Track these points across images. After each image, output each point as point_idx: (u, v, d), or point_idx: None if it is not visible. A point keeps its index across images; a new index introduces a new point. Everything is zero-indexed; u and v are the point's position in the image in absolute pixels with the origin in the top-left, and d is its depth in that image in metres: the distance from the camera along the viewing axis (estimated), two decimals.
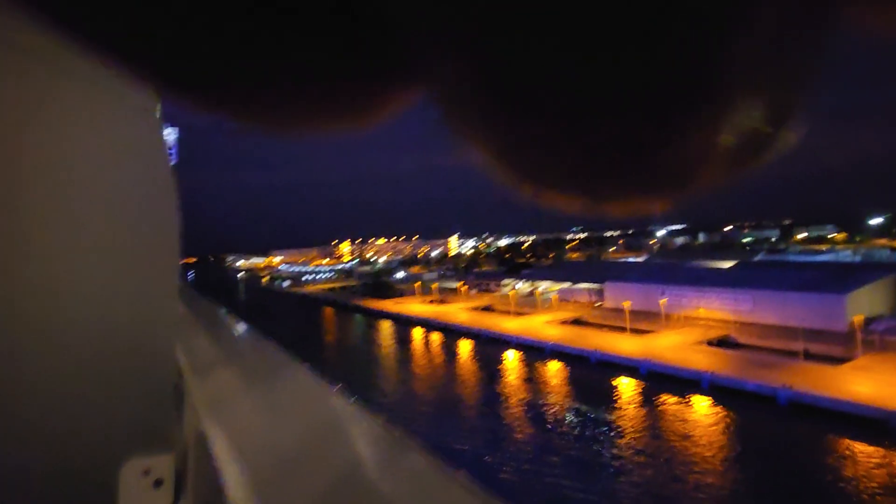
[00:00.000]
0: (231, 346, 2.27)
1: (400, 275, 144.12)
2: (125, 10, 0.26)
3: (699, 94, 0.24)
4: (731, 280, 66.60)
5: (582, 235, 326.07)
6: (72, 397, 1.67)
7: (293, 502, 0.83)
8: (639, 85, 0.23)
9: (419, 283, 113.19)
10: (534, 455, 32.61)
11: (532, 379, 49.18)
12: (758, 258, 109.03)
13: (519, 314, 77.68)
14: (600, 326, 67.32)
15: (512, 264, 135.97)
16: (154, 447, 1.52)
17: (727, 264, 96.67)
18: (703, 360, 47.27)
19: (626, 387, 45.20)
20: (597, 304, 79.43)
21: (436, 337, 72.27)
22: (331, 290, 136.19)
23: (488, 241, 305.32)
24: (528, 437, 35.77)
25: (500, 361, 56.65)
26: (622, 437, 35.10)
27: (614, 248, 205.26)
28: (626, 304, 64.56)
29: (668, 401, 40.98)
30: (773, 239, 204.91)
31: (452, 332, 72.62)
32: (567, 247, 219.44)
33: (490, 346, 63.90)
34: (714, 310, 62.53)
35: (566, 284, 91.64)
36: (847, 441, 32.20)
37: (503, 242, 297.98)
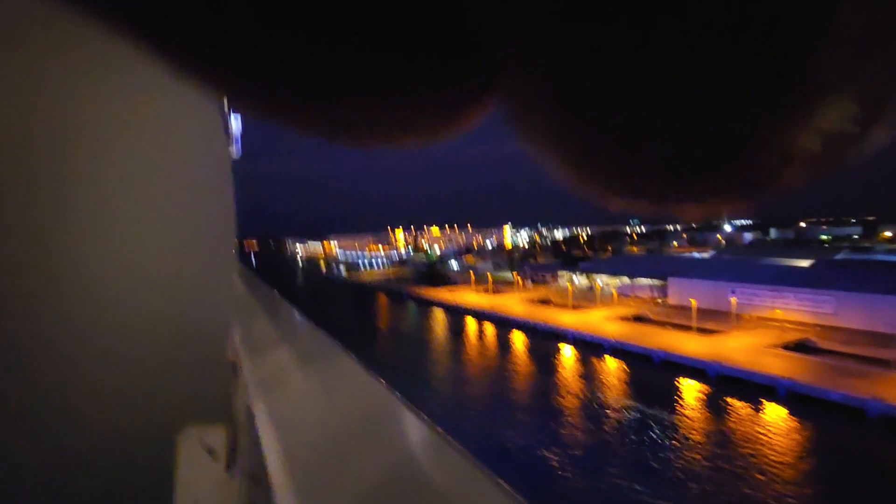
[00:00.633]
0: (283, 329, 2.30)
1: (454, 264, 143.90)
2: (201, 13, 0.26)
3: (784, 93, 0.24)
4: (811, 279, 61.79)
5: (641, 229, 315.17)
6: (135, 369, 1.84)
7: (329, 488, 0.85)
8: (718, 85, 0.23)
9: (474, 273, 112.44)
10: (597, 458, 31.20)
11: (591, 377, 47.40)
12: (840, 257, 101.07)
13: (576, 308, 75.48)
14: (663, 324, 64.22)
15: (568, 256, 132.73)
16: (209, 418, 1.61)
17: (804, 263, 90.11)
18: (778, 365, 43.98)
19: (693, 390, 42.69)
20: (659, 301, 76.00)
21: (490, 328, 71.36)
22: (386, 277, 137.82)
23: (543, 231, 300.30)
24: (590, 440, 34.33)
25: (557, 357, 55.11)
26: (691, 445, 33.03)
27: (677, 242, 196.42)
28: (693, 302, 61.19)
29: (740, 408, 38.31)
30: (856, 236, 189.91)
31: (507, 325, 71.45)
32: (627, 240, 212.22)
33: (546, 340, 62.34)
34: (790, 311, 58.25)
35: (626, 279, 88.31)
36: None
37: (559, 234, 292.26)
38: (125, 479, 1.78)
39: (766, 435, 33.70)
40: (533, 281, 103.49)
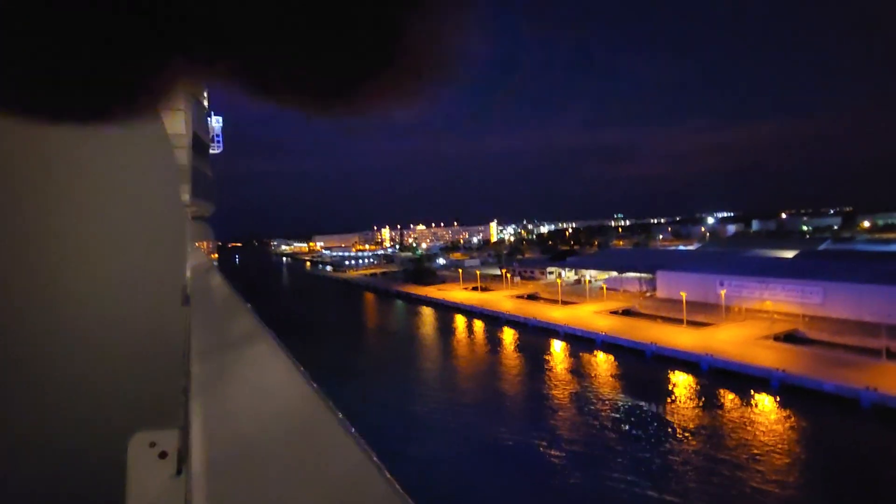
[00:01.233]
0: (236, 334, 2.32)
1: (441, 261, 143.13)
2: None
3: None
4: (798, 270, 62.20)
5: (626, 223, 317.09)
6: (88, 377, 1.90)
7: (249, 490, 0.87)
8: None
9: (461, 269, 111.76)
10: (598, 456, 30.69)
11: (586, 373, 47.00)
12: (823, 247, 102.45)
13: (566, 303, 75.18)
14: (653, 318, 64.18)
15: (556, 252, 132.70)
16: (161, 422, 1.63)
17: (789, 253, 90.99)
18: (770, 357, 43.96)
19: (687, 384, 42.50)
20: (648, 294, 76.07)
21: (480, 325, 70.74)
22: (372, 275, 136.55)
23: (529, 227, 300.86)
24: (592, 437, 33.84)
25: (550, 353, 54.65)
26: (694, 441, 32.73)
27: (662, 235, 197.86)
28: (683, 295, 61.18)
29: (735, 400, 38.15)
30: (835, 227, 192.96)
31: (497, 321, 70.91)
32: (612, 234, 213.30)
33: (536, 335, 61.89)
34: (779, 302, 58.48)
35: (614, 273, 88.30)
36: None
37: (544, 229, 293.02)
38: (76, 485, 1.84)
39: (764, 428, 33.50)
40: (521, 276, 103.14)
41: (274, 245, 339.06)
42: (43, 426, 1.89)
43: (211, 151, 33.09)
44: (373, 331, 76.42)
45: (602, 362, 49.96)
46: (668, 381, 43.65)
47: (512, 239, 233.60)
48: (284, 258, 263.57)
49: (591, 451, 31.44)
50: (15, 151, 1.77)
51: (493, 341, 61.53)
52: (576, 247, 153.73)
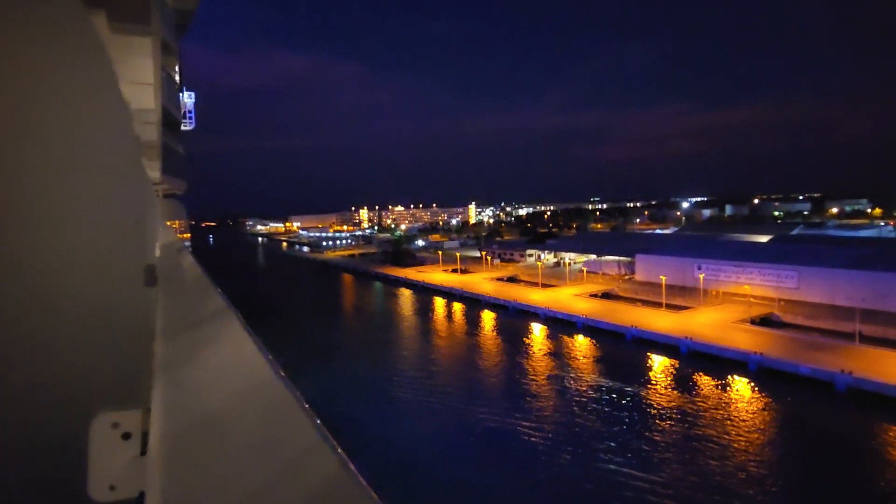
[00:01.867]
0: (202, 314, 2.34)
1: (420, 242, 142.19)
2: None
3: None
4: (773, 255, 63.11)
5: (603, 206, 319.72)
6: (48, 357, 1.90)
7: (204, 471, 0.91)
8: None
9: (441, 251, 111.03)
10: (582, 438, 30.62)
11: (567, 356, 47.03)
12: (795, 232, 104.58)
13: (546, 286, 75.28)
14: (632, 301, 64.71)
15: (535, 234, 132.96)
16: (125, 403, 1.63)
17: (763, 238, 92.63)
18: (747, 340, 44.61)
19: (667, 367, 42.84)
20: (626, 277, 76.66)
21: (460, 307, 70.38)
22: (350, 256, 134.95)
23: (507, 209, 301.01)
24: (572, 419, 33.79)
25: (530, 336, 54.60)
26: (672, 422, 32.93)
27: (639, 219, 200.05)
28: (663, 279, 61.67)
29: (714, 383, 38.58)
30: (805, 212, 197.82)
31: (477, 303, 70.65)
32: (590, 217, 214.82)
33: (517, 318, 61.82)
34: (755, 286, 59.33)
35: (593, 256, 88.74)
36: None
37: (523, 211, 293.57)
38: (35, 468, 1.84)
39: (743, 410, 33.92)
40: (500, 259, 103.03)
41: (249, 225, 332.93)
42: None
43: (183, 128, 31.81)
44: (352, 313, 75.47)
45: (583, 345, 50.09)
46: (648, 364, 43.96)
47: (491, 221, 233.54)
48: (260, 238, 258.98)
49: (575, 433, 31.39)
50: None
51: (475, 324, 61.26)
52: (554, 229, 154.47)
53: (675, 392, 37.38)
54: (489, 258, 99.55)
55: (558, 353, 47.77)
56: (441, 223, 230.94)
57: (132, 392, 1.69)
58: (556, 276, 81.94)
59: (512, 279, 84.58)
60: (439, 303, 74.64)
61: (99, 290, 2.09)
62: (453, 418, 34.53)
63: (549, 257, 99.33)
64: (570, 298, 65.71)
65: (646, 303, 62.72)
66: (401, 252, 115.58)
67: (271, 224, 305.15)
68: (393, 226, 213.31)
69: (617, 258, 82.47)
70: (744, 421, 32.53)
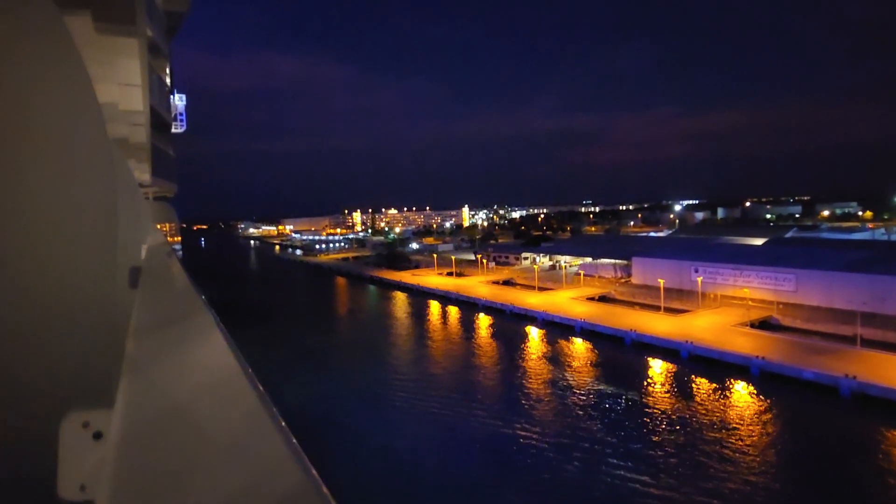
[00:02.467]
0: (176, 316, 2.32)
1: (414, 246, 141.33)
2: None
3: None
4: (770, 258, 62.86)
5: (596, 209, 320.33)
6: (14, 353, 1.90)
7: (156, 461, 0.91)
8: None
9: (436, 254, 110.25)
10: (588, 448, 29.87)
11: (567, 361, 46.33)
12: (789, 235, 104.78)
13: (542, 289, 74.67)
14: (630, 304, 64.22)
15: (529, 237, 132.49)
16: (96, 402, 1.61)
17: (757, 241, 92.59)
18: (748, 344, 44.15)
19: (669, 371, 42.26)
20: (623, 281, 76.24)
21: (456, 311, 69.59)
22: (344, 259, 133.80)
23: (500, 212, 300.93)
24: (576, 428, 33.07)
25: (528, 340, 53.88)
26: (677, 428, 32.29)
27: (633, 222, 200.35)
28: (661, 282, 61.23)
29: (717, 388, 38.00)
30: (797, 215, 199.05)
31: (474, 307, 69.91)
32: (584, 220, 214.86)
33: (514, 322, 61.12)
34: (753, 289, 59.03)
35: (588, 259, 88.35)
36: None
37: (516, 214, 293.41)
38: (4, 467, 1.82)
39: (748, 416, 33.32)
40: (496, 262, 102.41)
41: (241, 228, 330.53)
42: None
43: (174, 130, 31.00)
44: (347, 317, 74.43)
45: (582, 349, 49.45)
46: (649, 368, 43.37)
47: (485, 224, 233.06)
48: (252, 242, 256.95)
49: (579, 440, 30.64)
50: None
51: (472, 328, 60.50)
52: (549, 232, 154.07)
53: (678, 397, 36.77)
54: (485, 261, 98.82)
55: (557, 358, 47.08)
56: (435, 226, 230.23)
57: (104, 391, 1.63)
58: (551, 279, 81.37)
59: (508, 282, 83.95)
60: (435, 307, 73.82)
61: (71, 290, 2.07)
62: (453, 424, 33.73)
63: (544, 260, 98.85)
64: (567, 302, 65.13)
65: (643, 306, 62.26)
66: (395, 255, 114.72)
67: (264, 227, 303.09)
68: (386, 229, 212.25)
69: (613, 261, 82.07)
70: (749, 427, 31.96)
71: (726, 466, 27.49)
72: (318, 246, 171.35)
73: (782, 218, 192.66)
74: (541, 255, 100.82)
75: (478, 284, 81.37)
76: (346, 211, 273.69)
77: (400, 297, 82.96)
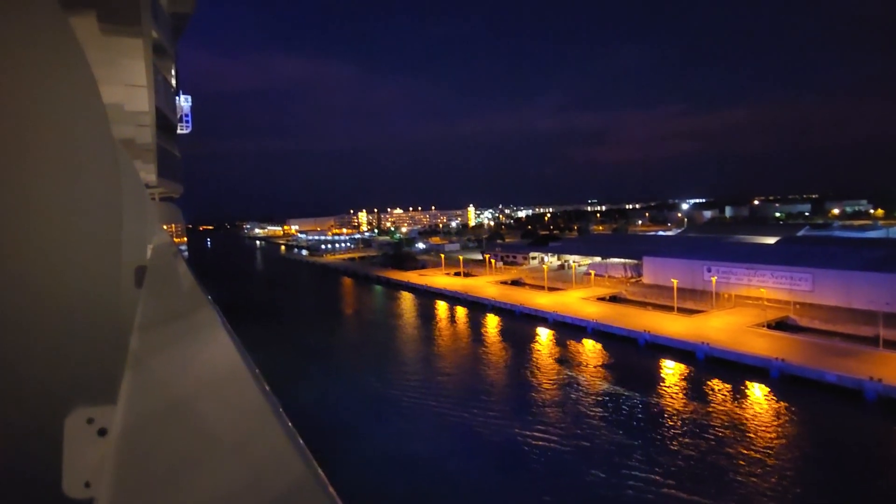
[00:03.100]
0: (181, 315, 2.32)
1: (420, 245, 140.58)
2: None
3: None
4: (786, 257, 61.64)
5: (601, 207, 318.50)
6: (21, 350, 1.94)
7: (157, 455, 0.92)
8: None
9: (443, 254, 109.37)
10: (614, 458, 28.98)
11: (580, 363, 45.37)
12: (801, 234, 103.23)
13: (552, 289, 73.71)
14: (642, 304, 63.17)
15: (537, 236, 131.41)
16: (101, 398, 1.63)
17: (769, 240, 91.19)
18: (765, 345, 43.09)
19: (685, 374, 41.25)
20: (633, 280, 75.18)
21: (464, 312, 68.74)
22: (350, 259, 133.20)
23: (506, 211, 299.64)
24: (598, 435, 32.17)
25: (540, 341, 52.95)
26: (699, 434, 31.35)
27: (640, 221, 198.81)
28: (675, 282, 60.16)
29: (736, 391, 36.98)
30: (806, 213, 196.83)
31: (482, 307, 69.05)
32: (591, 219, 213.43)
33: (525, 322, 60.22)
34: (768, 289, 57.93)
35: (597, 259, 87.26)
36: None
37: (521, 213, 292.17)
38: (10, 463, 1.85)
39: (771, 421, 32.29)
40: (503, 262, 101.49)
41: (247, 228, 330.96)
42: None
43: (180, 131, 30.73)
44: (354, 318, 73.71)
45: (595, 351, 48.49)
46: (664, 370, 42.39)
47: (491, 223, 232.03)
48: (258, 242, 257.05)
49: (596, 445, 29.75)
50: None
51: (482, 329, 59.65)
52: (555, 232, 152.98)
53: (697, 400, 35.79)
54: (492, 261, 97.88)
55: (570, 359, 46.16)
56: (441, 226, 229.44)
57: (109, 388, 1.62)
58: (560, 279, 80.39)
59: (516, 282, 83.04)
60: (443, 307, 73.03)
61: (76, 288, 2.09)
62: (465, 427, 32.91)
63: (552, 260, 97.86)
64: (577, 302, 64.16)
65: (656, 306, 61.19)
66: (402, 255, 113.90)
67: (269, 227, 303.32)
68: (392, 228, 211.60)
69: (622, 261, 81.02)
70: (771, 431, 30.97)
71: (750, 473, 26.54)
72: (323, 246, 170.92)
73: (792, 216, 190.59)
74: (549, 254, 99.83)
75: (486, 284, 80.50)
76: (352, 211, 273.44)
77: (407, 298, 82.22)
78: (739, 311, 55.50)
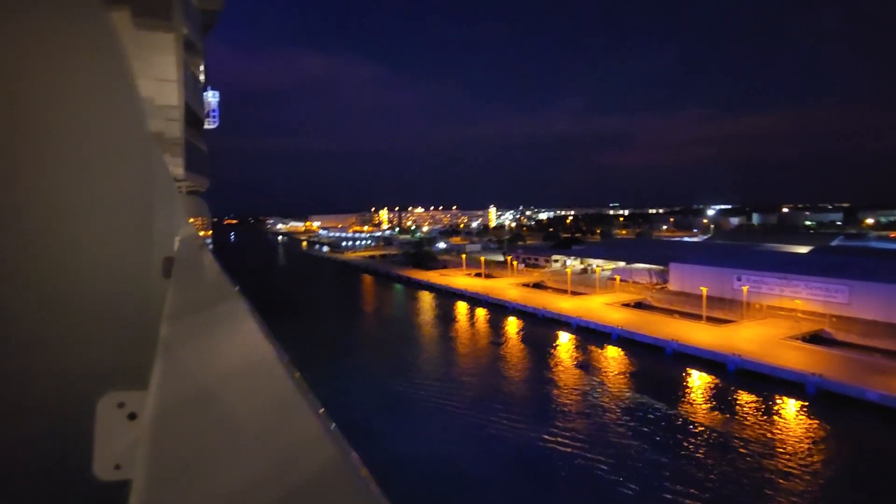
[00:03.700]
0: (210, 304, 2.28)
1: (441, 245, 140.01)
2: None
3: None
4: (820, 268, 59.46)
5: (624, 212, 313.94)
6: (56, 337, 2.02)
7: (187, 439, 0.93)
8: None
9: (464, 255, 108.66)
10: (639, 468, 27.97)
11: (605, 371, 44.18)
12: (835, 244, 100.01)
13: (575, 293, 72.42)
14: (668, 312, 61.56)
15: (559, 239, 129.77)
16: (132, 384, 1.68)
17: (801, 249, 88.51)
18: (800, 359, 41.41)
19: (715, 386, 39.82)
20: (658, 287, 73.46)
21: (485, 313, 67.90)
22: (370, 257, 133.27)
23: (527, 213, 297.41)
24: (629, 450, 31.17)
25: (563, 347, 51.86)
26: (733, 453, 30.13)
27: (665, 226, 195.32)
28: (704, 290, 58.46)
29: (770, 407, 35.52)
30: (838, 223, 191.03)
31: (503, 310, 68.10)
32: (614, 223, 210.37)
33: (546, 327, 59.14)
34: (801, 300, 55.90)
35: (621, 263, 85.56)
36: None
37: (543, 215, 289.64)
38: (41, 447, 1.92)
39: (809, 441, 30.80)
40: (525, 264, 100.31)
41: (270, 223, 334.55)
42: (6, 384, 1.91)
43: (207, 126, 31.04)
44: (374, 316, 73.34)
45: (620, 359, 47.24)
46: (693, 382, 41.03)
47: (512, 225, 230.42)
48: (280, 237, 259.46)
49: (626, 461, 28.68)
50: None
51: (502, 331, 58.76)
52: (577, 235, 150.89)
53: (728, 415, 34.42)
54: (514, 263, 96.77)
55: (595, 367, 45.03)
56: (462, 226, 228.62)
57: (139, 374, 1.64)
58: (583, 283, 79.01)
59: (538, 285, 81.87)
60: (463, 308, 72.29)
61: (109, 278, 2.17)
62: (485, 432, 32.15)
63: (574, 263, 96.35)
64: (601, 307, 62.84)
65: (683, 314, 59.57)
66: (423, 254, 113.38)
67: (291, 223, 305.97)
68: (413, 227, 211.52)
69: (648, 266, 79.28)
70: (810, 451, 29.55)
71: (791, 491, 25.25)
72: (344, 243, 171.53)
73: (823, 225, 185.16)
74: (571, 257, 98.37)
75: (507, 287, 79.52)
76: (373, 209, 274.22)
77: (427, 298, 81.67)
78: (771, 322, 53.66)
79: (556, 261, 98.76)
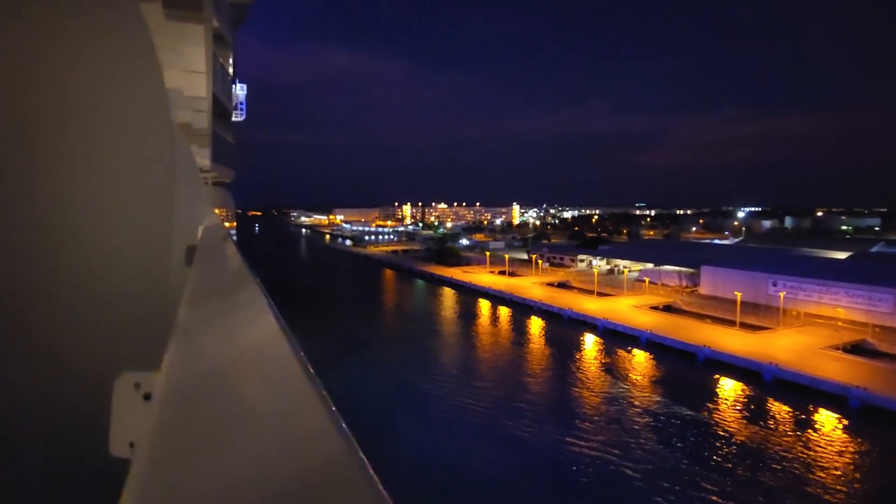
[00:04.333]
0: (228, 291, 2.33)
1: (464, 241, 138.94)
2: None
3: None
4: (861, 274, 56.76)
5: (651, 212, 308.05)
6: (72, 317, 2.06)
7: (198, 420, 0.94)
8: None
9: (488, 252, 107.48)
10: (679, 485, 26.77)
11: (633, 377, 42.76)
12: (875, 250, 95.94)
13: (601, 294, 70.77)
14: (699, 316, 59.55)
15: (584, 238, 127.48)
16: (147, 364, 1.70)
17: (839, 255, 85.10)
18: (841, 370, 39.40)
19: (750, 396, 38.11)
20: (688, 290, 71.30)
21: (508, 312, 66.76)
22: (393, 252, 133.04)
23: (551, 211, 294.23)
24: (662, 459, 29.96)
25: (589, 349, 50.51)
26: (777, 468, 28.67)
27: (694, 228, 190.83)
28: (738, 295, 56.38)
29: (811, 420, 33.81)
30: (876, 228, 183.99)
31: (528, 309, 66.88)
32: (640, 223, 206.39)
33: (572, 328, 57.81)
34: (841, 308, 53.46)
35: (650, 265, 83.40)
36: None
37: (567, 214, 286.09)
38: (59, 424, 1.96)
39: (857, 459, 29.14)
40: (550, 263, 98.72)
41: (293, 216, 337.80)
42: (24, 363, 1.93)
43: (234, 118, 31.19)
44: (395, 311, 72.79)
45: (648, 364, 45.74)
46: (727, 391, 39.38)
47: (536, 222, 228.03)
48: (304, 230, 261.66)
49: (660, 475, 27.46)
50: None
51: (526, 332, 57.60)
52: (603, 234, 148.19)
53: (767, 428, 32.81)
54: (539, 262, 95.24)
55: (623, 372, 43.64)
56: (485, 222, 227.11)
57: (157, 357, 1.64)
58: (610, 284, 77.21)
59: (563, 285, 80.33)
60: (486, 306, 71.28)
61: (129, 263, 2.20)
62: (512, 437, 31.23)
63: (601, 264, 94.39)
64: (629, 310, 61.16)
65: (715, 319, 57.54)
66: (446, 251, 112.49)
67: (315, 216, 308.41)
68: (436, 223, 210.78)
69: (677, 269, 77.05)
70: (854, 469, 27.90)
71: None
72: (367, 237, 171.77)
73: (860, 230, 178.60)
74: (597, 257, 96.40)
75: (532, 285, 78.20)
76: (396, 203, 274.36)
77: (449, 294, 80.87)
78: (809, 330, 51.42)
79: (582, 260, 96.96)
